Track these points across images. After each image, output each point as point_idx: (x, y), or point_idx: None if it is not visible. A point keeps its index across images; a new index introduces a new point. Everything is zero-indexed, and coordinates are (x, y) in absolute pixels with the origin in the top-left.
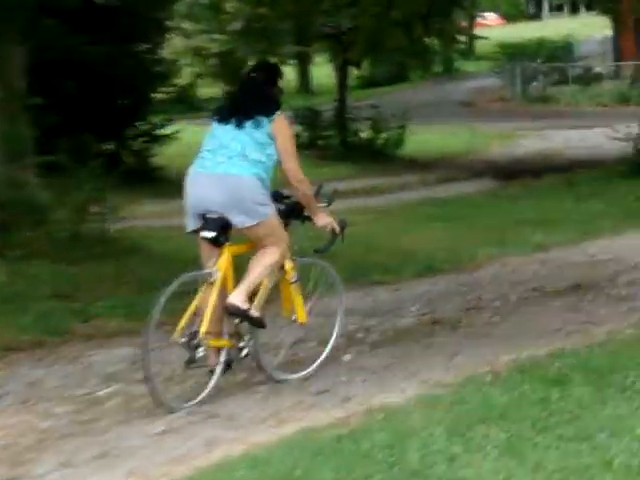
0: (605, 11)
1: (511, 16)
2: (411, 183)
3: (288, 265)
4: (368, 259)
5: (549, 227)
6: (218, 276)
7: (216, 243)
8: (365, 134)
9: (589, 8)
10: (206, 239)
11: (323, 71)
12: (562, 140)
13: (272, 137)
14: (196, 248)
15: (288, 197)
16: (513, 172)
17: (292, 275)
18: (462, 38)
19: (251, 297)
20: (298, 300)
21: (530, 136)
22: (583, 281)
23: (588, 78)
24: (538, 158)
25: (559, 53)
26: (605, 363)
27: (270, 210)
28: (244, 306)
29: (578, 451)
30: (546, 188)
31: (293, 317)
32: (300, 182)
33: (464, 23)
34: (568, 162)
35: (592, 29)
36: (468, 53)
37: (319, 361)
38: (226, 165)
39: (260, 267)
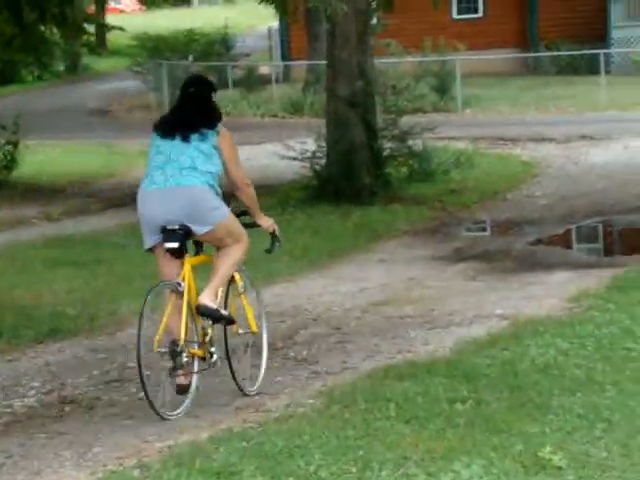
0: None
1: (151, 1)
2: (29, 217)
3: (237, 275)
4: None
5: (207, 273)
6: (185, 285)
7: (179, 254)
8: None
9: None
10: (169, 250)
11: None
12: None
13: (217, 148)
14: None
15: None
16: None
17: (241, 285)
18: (91, 27)
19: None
20: (249, 310)
21: None
22: (255, 341)
23: (252, 81)
24: None
25: (215, 49)
26: (282, 446)
27: (224, 211)
28: (214, 305)
29: None
30: None
31: (240, 331)
32: (247, 185)
33: (92, 8)
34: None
35: (254, 19)
36: (99, 47)
37: (263, 370)
38: (177, 178)
39: (227, 265)
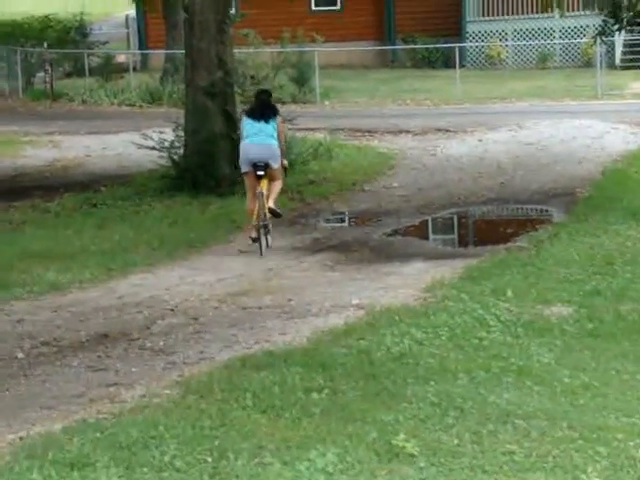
0: None
1: None
2: None
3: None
4: None
5: (66, 262)
6: (265, 192)
7: (261, 177)
8: None
9: None
10: (258, 175)
11: None
12: (80, 148)
13: (277, 127)
14: None
15: None
16: (17, 190)
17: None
18: None
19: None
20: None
21: (39, 143)
22: (110, 331)
23: (109, 70)
24: (50, 172)
25: (71, 36)
26: (137, 436)
27: (280, 159)
28: (274, 207)
29: None
30: (61, 211)
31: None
32: (284, 152)
33: None
34: (89, 177)
35: (111, 6)
36: None
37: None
38: (265, 139)
39: (278, 189)
